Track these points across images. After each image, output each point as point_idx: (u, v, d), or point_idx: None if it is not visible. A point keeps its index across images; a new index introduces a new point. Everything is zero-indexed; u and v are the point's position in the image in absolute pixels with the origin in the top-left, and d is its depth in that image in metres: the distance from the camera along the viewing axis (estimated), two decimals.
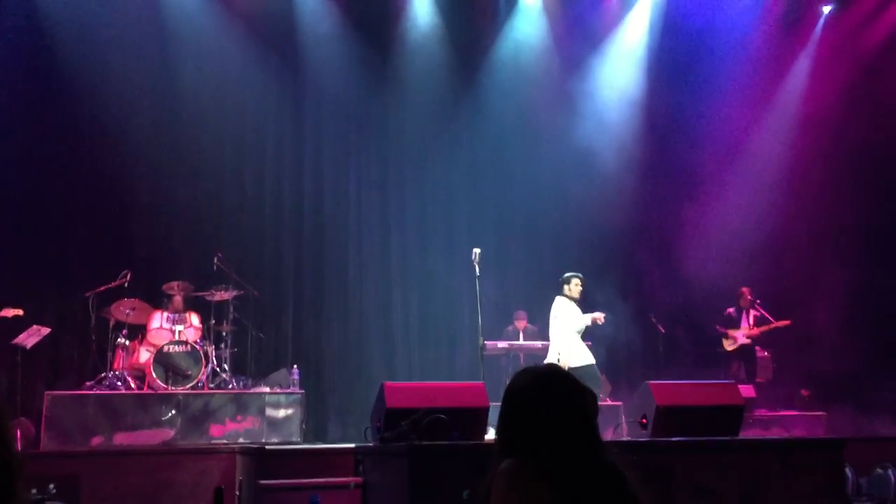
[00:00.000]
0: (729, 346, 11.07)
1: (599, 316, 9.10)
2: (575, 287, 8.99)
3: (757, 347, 11.19)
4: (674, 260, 12.15)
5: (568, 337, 8.79)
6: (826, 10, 12.95)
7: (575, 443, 2.18)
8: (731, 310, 11.22)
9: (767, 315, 11.03)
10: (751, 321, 11.06)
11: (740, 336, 11.00)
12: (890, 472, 7.19)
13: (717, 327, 11.22)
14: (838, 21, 12.91)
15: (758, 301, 11.18)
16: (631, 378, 11.00)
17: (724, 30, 12.55)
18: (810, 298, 11.53)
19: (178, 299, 9.49)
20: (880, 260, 11.75)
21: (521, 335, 10.98)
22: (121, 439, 8.02)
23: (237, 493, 6.88)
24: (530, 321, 11.08)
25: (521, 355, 10.87)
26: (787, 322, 10.93)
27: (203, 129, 10.97)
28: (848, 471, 6.88)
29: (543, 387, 2.26)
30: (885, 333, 11.26)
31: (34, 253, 10.07)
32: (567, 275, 9.10)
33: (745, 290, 11.17)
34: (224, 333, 9.68)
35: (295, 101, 11.66)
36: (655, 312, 11.36)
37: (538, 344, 10.71)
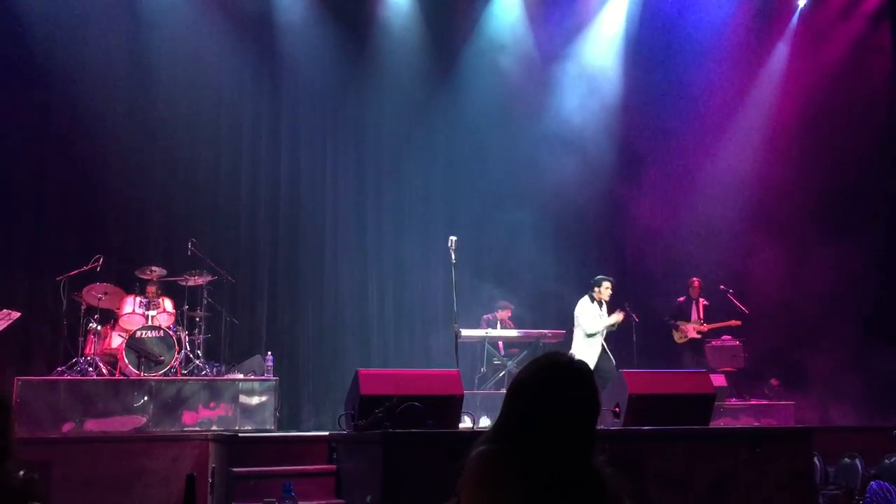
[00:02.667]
0: (679, 338, 11.18)
1: (618, 317, 9.43)
2: (605, 290, 9.38)
3: (727, 336, 11.32)
4: (649, 248, 12.26)
5: (579, 338, 9.32)
6: (801, 2, 13.07)
7: (563, 440, 2.15)
8: (681, 299, 11.31)
9: (735, 300, 11.16)
10: (701, 313, 11.16)
11: (690, 330, 11.11)
12: (857, 461, 7.30)
13: (666, 319, 11.29)
14: (813, 13, 13.03)
15: (730, 291, 11.29)
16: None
17: (701, 20, 12.63)
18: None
19: (151, 285, 9.41)
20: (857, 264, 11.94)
21: (499, 325, 10.94)
22: (92, 426, 7.94)
23: (210, 480, 6.86)
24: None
25: (500, 343, 10.90)
26: (737, 322, 11.08)
27: (177, 114, 10.85)
28: (816, 460, 6.97)
29: (548, 378, 2.20)
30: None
31: (4, 236, 9.95)
32: (598, 277, 9.50)
33: (695, 280, 11.27)
34: (198, 319, 9.61)
35: (271, 86, 11.56)
36: (630, 300, 11.42)
37: (515, 332, 10.74)
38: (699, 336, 11.10)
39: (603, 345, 9.38)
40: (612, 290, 9.44)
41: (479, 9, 12.53)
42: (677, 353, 11.19)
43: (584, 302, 9.43)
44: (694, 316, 11.16)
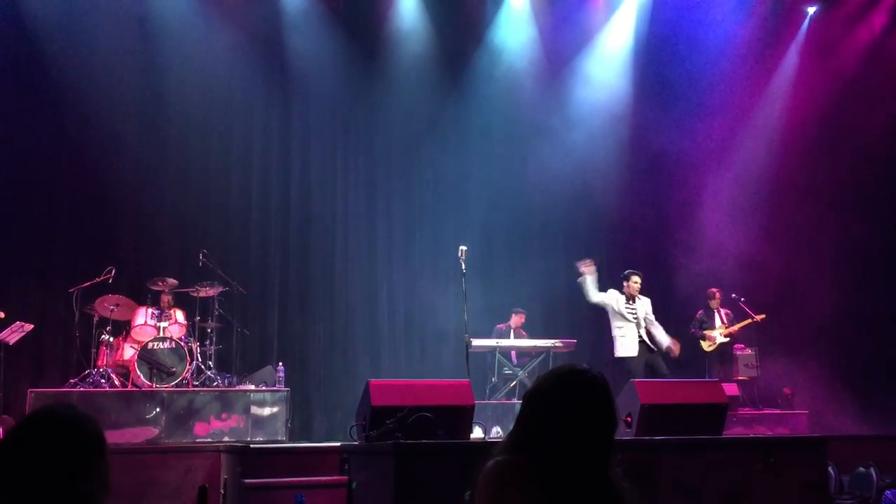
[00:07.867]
0: (708, 346, 11.07)
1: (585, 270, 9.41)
2: (633, 284, 9.33)
3: (738, 346, 11.25)
4: (660, 254, 12.22)
5: (613, 330, 9.28)
6: (811, 10, 13.05)
7: (579, 450, 2.14)
8: (700, 312, 11.24)
9: (747, 308, 11.09)
10: (724, 320, 11.10)
11: (718, 335, 11.02)
12: (872, 470, 7.24)
13: (692, 331, 11.20)
14: (823, 21, 13.00)
15: (741, 299, 11.23)
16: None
17: (709, 28, 12.61)
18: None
19: (163, 296, 9.44)
20: (868, 271, 11.85)
21: (512, 333, 10.92)
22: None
23: (222, 491, 6.85)
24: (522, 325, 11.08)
25: (512, 353, 10.87)
26: (762, 316, 10.99)
27: (189, 124, 10.91)
28: (831, 469, 6.92)
29: (564, 388, 2.20)
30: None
31: (17, 248, 10.01)
32: (626, 271, 9.51)
33: (715, 290, 11.19)
34: (209, 330, 9.64)
35: (282, 97, 11.61)
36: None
37: (529, 342, 10.72)
38: (727, 339, 11.03)
39: (643, 338, 9.16)
40: (640, 284, 9.35)
41: (488, 18, 12.55)
42: (706, 363, 11.09)
43: (611, 292, 9.37)
44: (718, 323, 11.09)
